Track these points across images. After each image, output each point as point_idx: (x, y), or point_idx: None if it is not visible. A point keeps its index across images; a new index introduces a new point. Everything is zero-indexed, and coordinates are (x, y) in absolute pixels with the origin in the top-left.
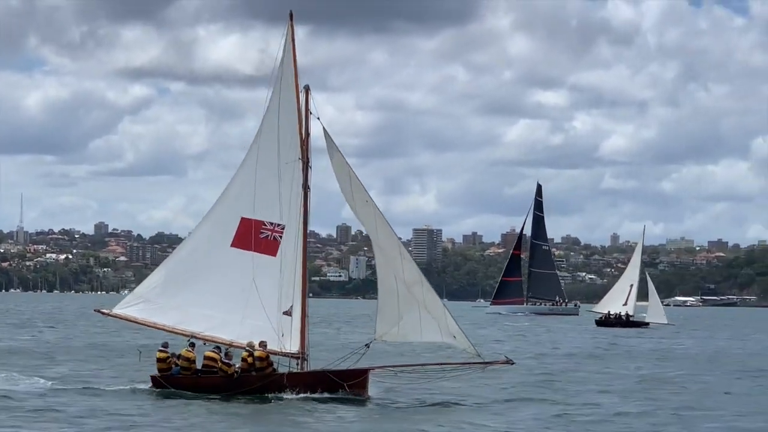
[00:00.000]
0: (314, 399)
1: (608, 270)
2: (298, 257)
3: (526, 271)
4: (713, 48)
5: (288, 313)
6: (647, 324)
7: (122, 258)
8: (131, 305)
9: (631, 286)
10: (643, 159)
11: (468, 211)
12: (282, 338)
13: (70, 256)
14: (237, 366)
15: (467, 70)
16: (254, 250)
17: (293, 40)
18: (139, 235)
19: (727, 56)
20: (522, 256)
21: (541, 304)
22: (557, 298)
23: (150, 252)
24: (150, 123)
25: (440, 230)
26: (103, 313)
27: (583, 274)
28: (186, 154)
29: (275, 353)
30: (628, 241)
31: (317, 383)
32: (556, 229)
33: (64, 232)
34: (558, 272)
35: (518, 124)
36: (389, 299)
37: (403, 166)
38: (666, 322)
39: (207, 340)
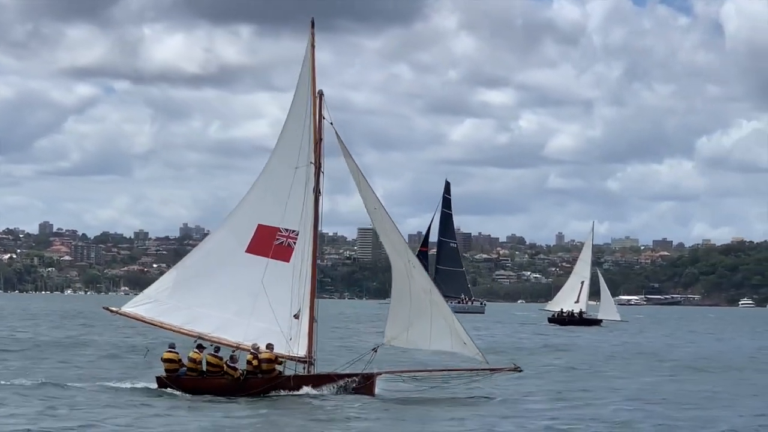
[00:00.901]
0: (322, 399)
1: (553, 269)
2: (307, 261)
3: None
4: (657, 47)
5: (296, 316)
6: (600, 321)
7: (67, 257)
8: (140, 304)
9: (582, 282)
10: (588, 158)
11: (413, 211)
12: (290, 342)
13: (14, 256)
14: (242, 369)
15: (413, 70)
16: (269, 257)
17: (313, 46)
18: (84, 234)
19: (672, 56)
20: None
21: (447, 301)
22: (463, 295)
23: (95, 252)
24: (95, 122)
25: None
26: (111, 311)
27: (528, 273)
28: (131, 154)
29: (283, 357)
30: (573, 240)
31: (323, 386)
32: (501, 228)
33: (8, 231)
34: (504, 271)
35: (464, 123)
36: (401, 304)
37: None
38: (619, 318)
39: (213, 342)
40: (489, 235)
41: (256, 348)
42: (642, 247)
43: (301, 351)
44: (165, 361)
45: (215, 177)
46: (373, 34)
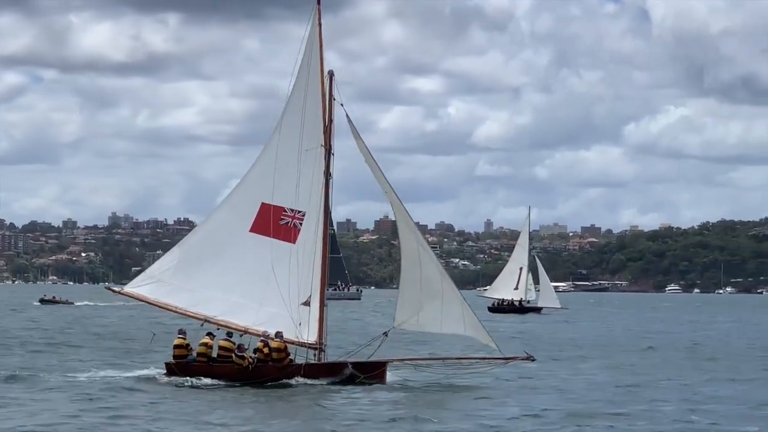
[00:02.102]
0: (333, 387)
1: (481, 256)
2: (317, 245)
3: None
4: (585, 34)
5: (307, 303)
6: (540, 309)
7: None
8: (143, 284)
9: (521, 269)
10: (517, 145)
11: (342, 198)
12: (299, 327)
13: None
14: (253, 356)
15: (341, 57)
16: (273, 236)
17: (320, 24)
18: (12, 223)
19: (599, 42)
20: None
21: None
22: (339, 282)
23: (23, 241)
24: (23, 111)
25: None
26: (113, 291)
27: (457, 260)
28: (60, 143)
29: (292, 343)
30: (502, 227)
31: (335, 375)
32: (430, 215)
33: None
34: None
35: (392, 110)
36: (410, 288)
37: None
38: (559, 306)
39: (220, 325)
40: (418, 223)
41: (267, 336)
42: (570, 234)
43: (311, 337)
44: (175, 347)
45: (144, 166)
46: (301, 21)
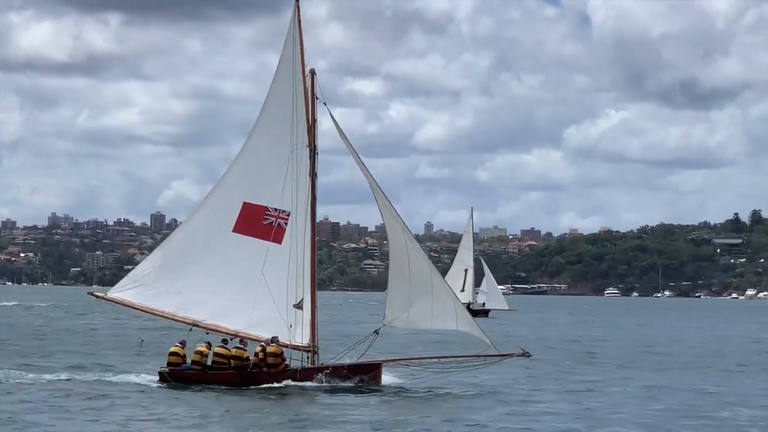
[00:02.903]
0: (328, 390)
1: None
2: (306, 247)
3: None
4: (525, 38)
5: (299, 306)
6: (488, 312)
7: None
8: (126, 289)
9: (466, 270)
10: (457, 148)
11: None
12: (291, 330)
13: None
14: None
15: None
16: (258, 237)
17: (299, 22)
18: None
19: (539, 46)
20: None
21: None
22: None
23: None
24: None
25: None
26: (97, 297)
27: None
28: (0, 142)
29: (285, 346)
30: (443, 230)
31: (331, 378)
32: (370, 217)
33: None
34: (372, 261)
35: (333, 112)
36: (399, 285)
37: (219, 154)
38: (507, 308)
39: (210, 329)
40: (358, 225)
41: (268, 342)
42: (510, 237)
43: (304, 339)
44: (170, 354)
45: (85, 166)
46: (243, 23)
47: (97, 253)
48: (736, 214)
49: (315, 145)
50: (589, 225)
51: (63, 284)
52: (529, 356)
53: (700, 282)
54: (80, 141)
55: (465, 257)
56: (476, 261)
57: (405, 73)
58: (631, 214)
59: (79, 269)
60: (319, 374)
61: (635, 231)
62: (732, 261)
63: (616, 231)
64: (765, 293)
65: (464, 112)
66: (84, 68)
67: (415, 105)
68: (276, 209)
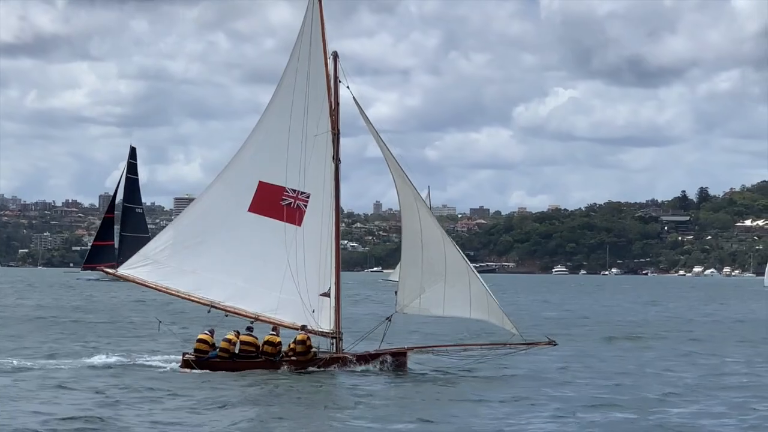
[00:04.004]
0: (353, 377)
1: (370, 238)
2: (328, 232)
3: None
4: (473, 16)
5: (326, 294)
6: None
7: None
8: (138, 266)
9: None
10: (406, 127)
11: None
12: (313, 314)
13: None
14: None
15: (230, 39)
16: (275, 218)
17: (320, 3)
18: None
19: (487, 24)
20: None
21: None
22: None
23: None
24: None
25: None
26: (107, 273)
27: (345, 242)
28: None
29: (310, 332)
30: (391, 209)
31: (358, 364)
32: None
33: None
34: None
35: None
36: (411, 271)
37: (167, 134)
38: None
39: (228, 311)
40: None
41: (303, 328)
42: (459, 216)
43: (328, 325)
44: (198, 341)
45: (32, 147)
46: (189, 3)
47: (44, 234)
48: (684, 191)
49: (338, 130)
50: (539, 203)
51: (10, 266)
52: (555, 344)
53: (647, 259)
54: (28, 122)
55: None
56: None
57: (354, 52)
58: (580, 192)
59: (27, 250)
60: (347, 362)
61: (583, 209)
62: (679, 238)
63: (564, 209)
64: (712, 270)
65: (413, 91)
66: (31, 49)
67: (364, 84)
68: (294, 190)
